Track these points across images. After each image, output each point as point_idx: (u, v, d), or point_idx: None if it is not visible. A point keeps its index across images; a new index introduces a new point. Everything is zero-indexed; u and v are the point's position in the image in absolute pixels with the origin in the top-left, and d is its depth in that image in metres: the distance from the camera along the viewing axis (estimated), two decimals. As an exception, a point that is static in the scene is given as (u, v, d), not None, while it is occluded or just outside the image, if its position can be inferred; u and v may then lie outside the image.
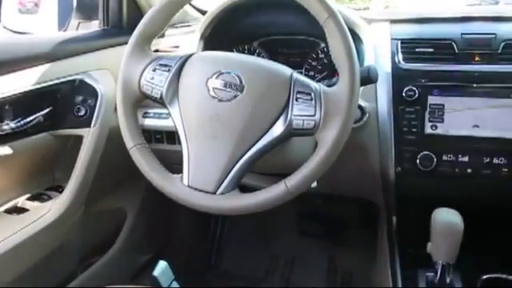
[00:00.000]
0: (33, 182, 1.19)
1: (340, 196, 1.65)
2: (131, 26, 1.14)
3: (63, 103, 1.14)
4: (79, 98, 1.15)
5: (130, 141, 0.87)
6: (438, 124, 1.02)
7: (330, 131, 0.77)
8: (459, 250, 0.91)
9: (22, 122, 1.06)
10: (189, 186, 0.83)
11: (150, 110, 1.19)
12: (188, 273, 1.74)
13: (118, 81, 0.88)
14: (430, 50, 1.07)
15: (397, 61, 1.07)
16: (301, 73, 1.02)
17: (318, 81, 1.15)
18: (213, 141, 0.82)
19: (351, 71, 0.77)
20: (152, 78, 0.86)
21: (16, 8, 1.45)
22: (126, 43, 0.89)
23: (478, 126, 1.01)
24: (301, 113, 0.79)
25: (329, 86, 0.81)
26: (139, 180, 0.92)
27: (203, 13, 1.43)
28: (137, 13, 1.32)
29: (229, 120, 0.81)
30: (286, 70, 0.83)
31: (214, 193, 0.81)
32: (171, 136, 1.16)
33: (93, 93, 1.14)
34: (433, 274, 0.97)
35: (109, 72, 1.19)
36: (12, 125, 1.04)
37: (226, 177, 0.81)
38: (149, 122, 1.18)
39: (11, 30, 1.40)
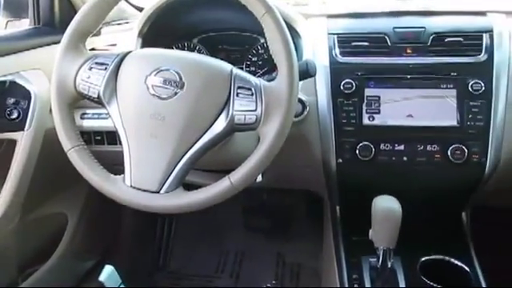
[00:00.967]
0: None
1: (285, 189, 1.68)
2: (64, 23, 1.09)
3: None
4: (11, 101, 1.09)
5: (67, 142, 0.84)
6: (374, 115, 1.06)
7: (271, 125, 0.78)
8: (399, 235, 0.95)
9: None
10: (131, 186, 0.81)
11: (88, 111, 1.15)
12: (136, 275, 1.71)
13: (52, 81, 0.85)
14: (365, 43, 1.10)
15: (334, 55, 1.10)
16: (241, 68, 1.03)
17: (259, 76, 1.17)
18: (154, 139, 0.81)
19: (290, 65, 0.78)
20: (88, 77, 0.84)
21: None
22: (59, 42, 0.86)
23: (411, 116, 1.05)
24: (242, 108, 0.79)
25: (269, 80, 0.82)
26: (80, 183, 0.89)
27: (140, 10, 1.40)
28: (70, 10, 1.27)
29: (170, 117, 0.80)
30: (226, 66, 0.83)
31: (158, 192, 0.80)
32: (112, 136, 1.14)
33: (25, 94, 1.09)
34: (375, 259, 1.00)
35: (42, 72, 1.14)
36: None
37: (169, 175, 0.80)
38: (88, 123, 1.15)
39: None
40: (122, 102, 0.83)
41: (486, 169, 1.03)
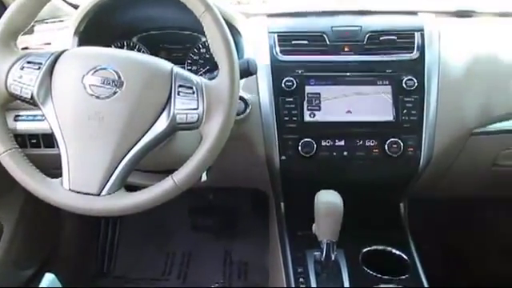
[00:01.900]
0: None
1: (231, 188, 1.68)
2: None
3: None
4: None
5: None
6: (315, 112, 1.08)
7: (213, 123, 0.78)
8: (341, 228, 0.98)
9: None
10: (70, 189, 0.79)
11: (22, 113, 1.10)
12: (79, 282, 1.65)
13: None
14: (305, 42, 1.12)
15: (275, 53, 1.11)
16: (183, 67, 1.03)
17: (201, 75, 1.16)
18: (93, 140, 0.78)
19: (230, 64, 0.79)
20: (20, 77, 0.80)
21: None
22: None
23: (350, 112, 1.08)
24: (184, 107, 0.79)
25: (210, 79, 0.82)
26: (15, 189, 0.85)
27: (75, 7, 1.35)
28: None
29: (109, 118, 0.78)
30: (166, 65, 0.82)
31: (99, 194, 0.78)
32: (49, 139, 1.09)
33: None
34: (319, 253, 1.02)
35: None
36: None
37: (110, 177, 0.78)
38: (22, 126, 1.09)
39: None
40: (57, 102, 0.80)
41: (421, 161, 1.08)
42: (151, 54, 1.03)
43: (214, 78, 0.81)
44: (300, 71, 1.09)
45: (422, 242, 1.18)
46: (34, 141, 1.10)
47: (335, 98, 1.09)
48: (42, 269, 1.50)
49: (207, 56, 1.23)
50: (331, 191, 0.98)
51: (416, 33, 1.13)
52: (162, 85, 0.79)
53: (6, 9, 0.83)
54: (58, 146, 0.80)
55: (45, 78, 0.80)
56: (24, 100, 0.81)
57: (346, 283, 1.03)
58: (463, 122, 1.11)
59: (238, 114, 1.04)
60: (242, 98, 1.06)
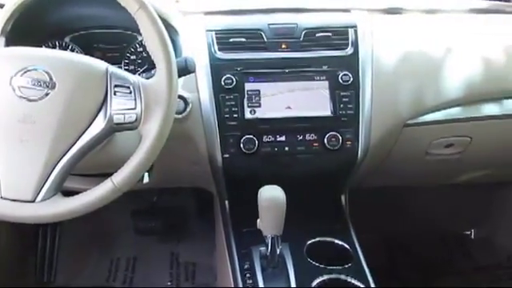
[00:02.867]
0: None
1: (175, 188, 1.67)
2: None
3: None
4: None
5: None
6: (256, 109, 1.09)
7: (152, 123, 0.77)
8: (285, 222, 0.99)
9: None
10: (2, 197, 0.75)
11: None
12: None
13: None
14: (243, 39, 1.13)
15: (213, 51, 1.11)
16: (120, 67, 1.00)
17: (139, 75, 1.14)
18: (25, 144, 0.75)
19: (167, 62, 0.78)
20: None
21: None
22: None
23: (290, 108, 1.10)
24: (121, 107, 0.77)
25: (148, 78, 0.81)
26: None
27: (1, 6, 1.28)
28: None
29: (41, 120, 0.75)
30: (101, 64, 0.80)
31: (33, 201, 0.75)
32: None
33: None
34: (264, 248, 1.03)
35: None
36: None
37: (45, 182, 0.76)
38: None
39: None
40: None
41: (359, 153, 1.12)
42: (85, 55, 0.99)
43: (151, 77, 0.80)
44: (239, 69, 1.10)
45: (364, 231, 1.22)
46: None
47: (275, 95, 1.11)
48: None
49: (144, 55, 1.20)
50: (274, 186, 0.99)
51: (350, 29, 1.16)
52: (96, 85, 0.77)
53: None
54: (-14, 153, 0.76)
55: None
56: None
57: (292, 276, 1.05)
58: (397, 114, 1.15)
59: (178, 113, 1.03)
60: (181, 97, 1.05)
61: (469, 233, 1.91)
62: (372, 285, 1.05)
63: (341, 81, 1.10)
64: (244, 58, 1.11)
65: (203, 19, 1.18)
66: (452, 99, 1.18)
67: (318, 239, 1.16)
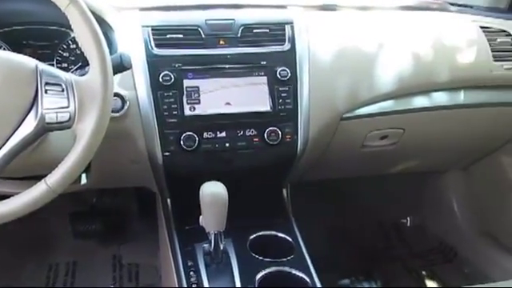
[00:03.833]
0: None
1: (115, 189, 1.63)
2: None
3: None
4: None
5: None
6: (195, 105, 1.09)
7: (87, 122, 0.75)
8: (228, 217, 0.99)
9: None
10: None
11: None
12: None
13: None
14: (180, 36, 1.12)
15: (150, 47, 1.09)
16: (52, 65, 0.96)
17: (73, 72, 1.10)
18: None
19: (101, 58, 0.76)
20: None
21: None
22: None
23: (230, 104, 1.10)
24: (53, 105, 0.75)
25: (82, 75, 0.79)
26: None
27: None
28: None
29: None
30: (30, 62, 0.77)
31: None
32: None
33: None
34: (208, 244, 1.04)
35: None
36: None
37: (-28, 187, 0.72)
38: None
39: None
40: None
41: (298, 147, 1.14)
42: (14, 52, 0.95)
43: (84, 74, 0.78)
44: (177, 65, 1.09)
45: (305, 223, 1.25)
46: None
47: (214, 91, 1.10)
48: None
49: (78, 52, 1.16)
50: (215, 182, 0.99)
51: (286, 25, 1.18)
52: (25, 83, 0.74)
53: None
54: None
55: None
56: None
57: (236, 271, 1.06)
58: (334, 107, 1.19)
59: (115, 112, 1.01)
60: (118, 95, 1.02)
61: (404, 221, 2.00)
62: (314, 274, 1.07)
63: (279, 76, 1.12)
64: (182, 54, 1.10)
65: (139, 15, 1.15)
66: (385, 93, 1.23)
67: (260, 233, 1.18)
